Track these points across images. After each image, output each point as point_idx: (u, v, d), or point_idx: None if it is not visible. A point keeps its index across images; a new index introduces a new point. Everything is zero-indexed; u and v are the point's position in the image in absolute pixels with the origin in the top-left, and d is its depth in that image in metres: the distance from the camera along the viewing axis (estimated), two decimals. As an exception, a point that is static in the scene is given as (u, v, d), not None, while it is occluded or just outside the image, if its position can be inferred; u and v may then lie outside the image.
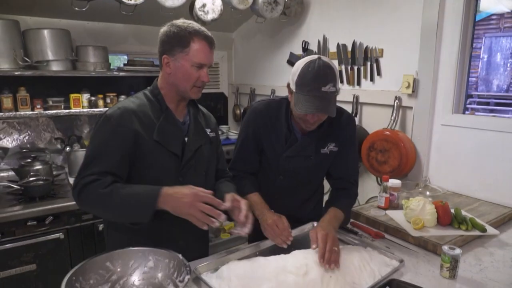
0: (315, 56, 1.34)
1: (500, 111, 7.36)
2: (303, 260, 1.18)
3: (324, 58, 1.35)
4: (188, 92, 1.31)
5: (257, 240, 1.44)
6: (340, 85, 2.60)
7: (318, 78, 1.29)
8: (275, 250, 1.35)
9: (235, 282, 1.10)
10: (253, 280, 1.10)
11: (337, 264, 1.19)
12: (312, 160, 1.53)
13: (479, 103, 7.75)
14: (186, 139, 1.36)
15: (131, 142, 1.24)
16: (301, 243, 1.42)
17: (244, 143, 1.59)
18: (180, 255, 1.12)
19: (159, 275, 1.13)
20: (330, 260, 1.17)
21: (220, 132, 3.45)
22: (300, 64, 1.35)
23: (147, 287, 1.11)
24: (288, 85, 1.41)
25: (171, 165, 1.32)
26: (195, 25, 1.29)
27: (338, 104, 1.54)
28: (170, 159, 1.31)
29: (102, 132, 1.25)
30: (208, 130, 1.46)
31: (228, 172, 1.60)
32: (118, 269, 1.11)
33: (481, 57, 8.11)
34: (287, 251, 1.30)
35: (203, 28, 1.29)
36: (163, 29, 1.30)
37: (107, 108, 1.77)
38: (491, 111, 7.35)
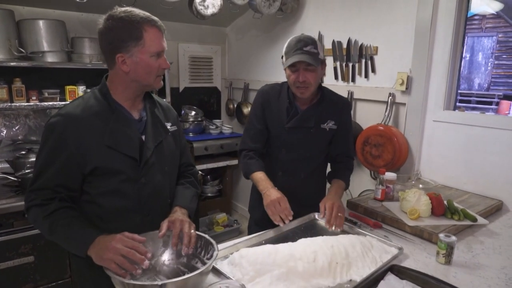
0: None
1: (481, 108, 7.61)
2: (311, 248, 1.23)
3: (306, 34, 1.62)
4: (153, 84, 1.25)
5: (261, 228, 1.54)
6: (335, 81, 2.68)
7: (299, 42, 1.54)
8: (280, 239, 1.41)
9: (247, 268, 1.14)
10: (264, 266, 1.14)
11: (341, 227, 1.50)
12: (313, 132, 1.69)
13: (461, 101, 7.99)
14: (143, 137, 1.28)
15: (79, 152, 1.16)
16: (305, 232, 1.50)
17: (251, 122, 1.75)
18: (206, 235, 1.19)
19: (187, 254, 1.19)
20: (335, 223, 1.48)
21: (214, 127, 3.51)
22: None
23: (177, 266, 1.18)
24: (282, 62, 1.63)
25: (129, 169, 1.23)
26: (137, 11, 1.18)
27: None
28: (127, 163, 1.23)
29: (47, 144, 1.17)
30: (168, 124, 1.39)
31: (191, 167, 1.54)
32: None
33: (463, 56, 8.35)
34: (293, 239, 1.35)
35: (147, 13, 1.20)
36: (103, 25, 1.17)
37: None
38: (473, 108, 7.60)
